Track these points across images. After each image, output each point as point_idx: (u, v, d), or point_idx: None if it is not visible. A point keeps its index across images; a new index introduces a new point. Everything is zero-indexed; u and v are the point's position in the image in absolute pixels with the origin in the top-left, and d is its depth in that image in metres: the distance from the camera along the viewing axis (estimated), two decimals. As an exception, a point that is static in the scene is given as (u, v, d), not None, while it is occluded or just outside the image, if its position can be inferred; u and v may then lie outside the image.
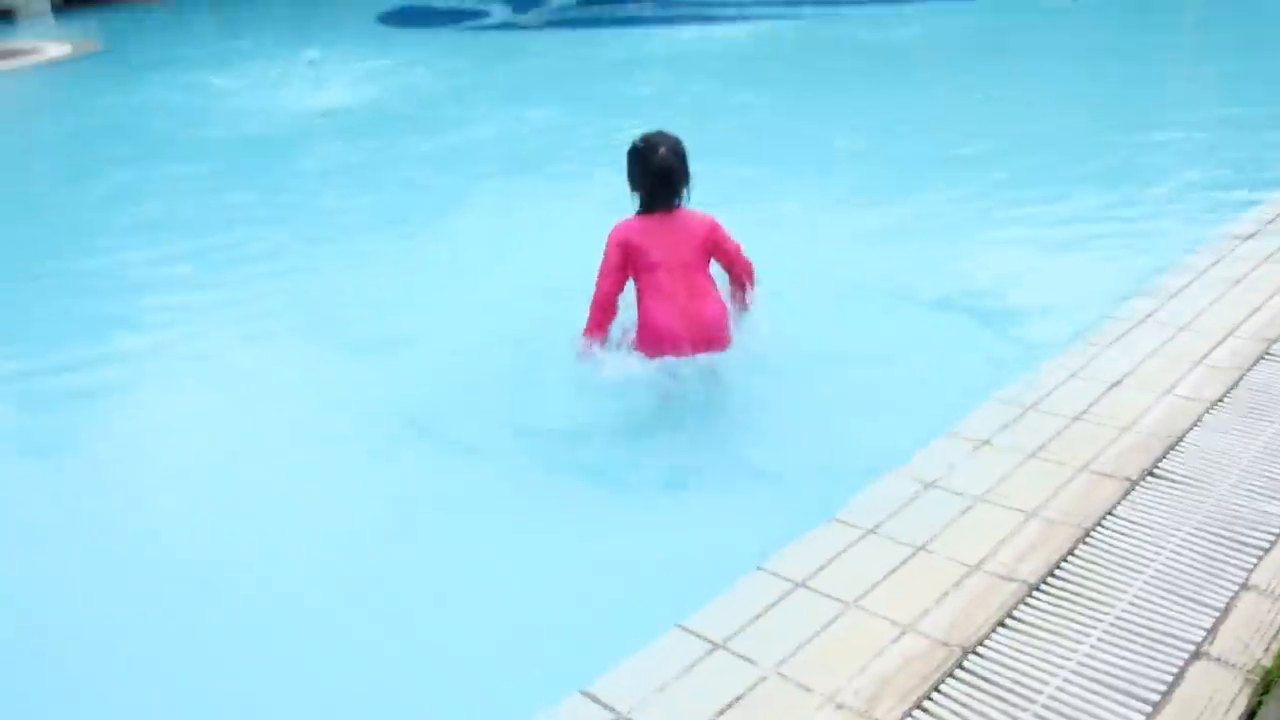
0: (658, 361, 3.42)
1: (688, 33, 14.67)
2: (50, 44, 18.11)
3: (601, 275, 3.44)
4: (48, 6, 23.72)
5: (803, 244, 5.15)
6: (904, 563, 2.44)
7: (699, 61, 12.02)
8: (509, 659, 2.45)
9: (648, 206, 3.43)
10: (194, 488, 3.41)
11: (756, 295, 3.57)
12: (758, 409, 3.59)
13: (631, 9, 20.38)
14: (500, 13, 20.52)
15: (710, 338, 3.44)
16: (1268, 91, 8.13)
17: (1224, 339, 3.50)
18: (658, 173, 3.35)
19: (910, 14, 15.22)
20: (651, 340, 3.43)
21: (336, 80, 12.11)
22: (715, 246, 3.46)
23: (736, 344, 3.49)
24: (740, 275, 3.55)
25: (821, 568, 2.44)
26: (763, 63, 11.88)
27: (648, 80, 10.60)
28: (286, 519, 3.17)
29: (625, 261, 3.42)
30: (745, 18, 16.52)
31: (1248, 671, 2.01)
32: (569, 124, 8.90)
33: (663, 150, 3.34)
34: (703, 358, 3.43)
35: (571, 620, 2.57)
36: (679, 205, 3.43)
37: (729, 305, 3.52)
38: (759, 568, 2.46)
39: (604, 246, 3.43)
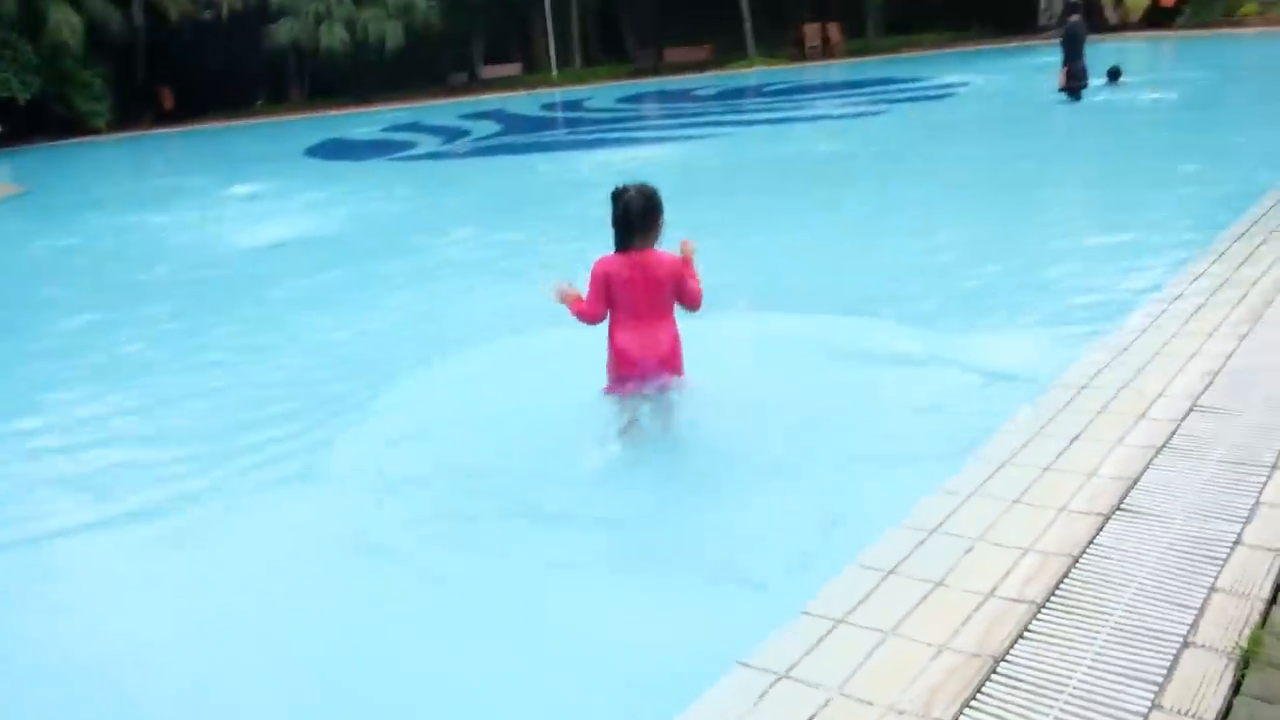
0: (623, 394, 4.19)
1: (618, 155, 15.46)
2: (-40, 189, 18.09)
3: (589, 303, 4.12)
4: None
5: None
6: (926, 596, 2.80)
7: (648, 179, 12.67)
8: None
9: (622, 245, 4.10)
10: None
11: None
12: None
13: (556, 135, 21.33)
14: (428, 144, 21.21)
15: (663, 362, 4.17)
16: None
17: (1157, 398, 4.02)
18: (625, 216, 4.04)
19: (805, 132, 16.37)
20: (616, 360, 4.18)
21: (279, 213, 12.39)
22: (679, 284, 4.12)
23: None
24: (690, 306, 4.22)
25: (856, 606, 2.79)
26: (696, 176, 12.62)
27: (597, 200, 11.09)
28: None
29: (607, 291, 4.09)
30: (667, 139, 17.50)
31: (1229, 653, 2.41)
32: (534, 241, 9.32)
33: (629, 196, 4.03)
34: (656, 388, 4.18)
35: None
36: (649, 246, 4.06)
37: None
38: (803, 613, 2.80)
39: (589, 278, 4.10)
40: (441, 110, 31.59)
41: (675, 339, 4.24)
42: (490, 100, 33.84)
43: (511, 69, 42.67)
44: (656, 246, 4.13)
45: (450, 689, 2.94)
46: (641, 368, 4.17)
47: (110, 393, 5.87)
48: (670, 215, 4.16)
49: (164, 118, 39.60)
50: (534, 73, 41.90)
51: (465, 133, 22.61)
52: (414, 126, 26.08)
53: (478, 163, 17.80)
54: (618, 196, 4.07)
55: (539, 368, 5.39)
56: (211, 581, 3.66)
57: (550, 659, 3.01)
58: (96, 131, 35.08)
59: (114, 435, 5.16)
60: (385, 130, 25.98)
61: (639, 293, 4.09)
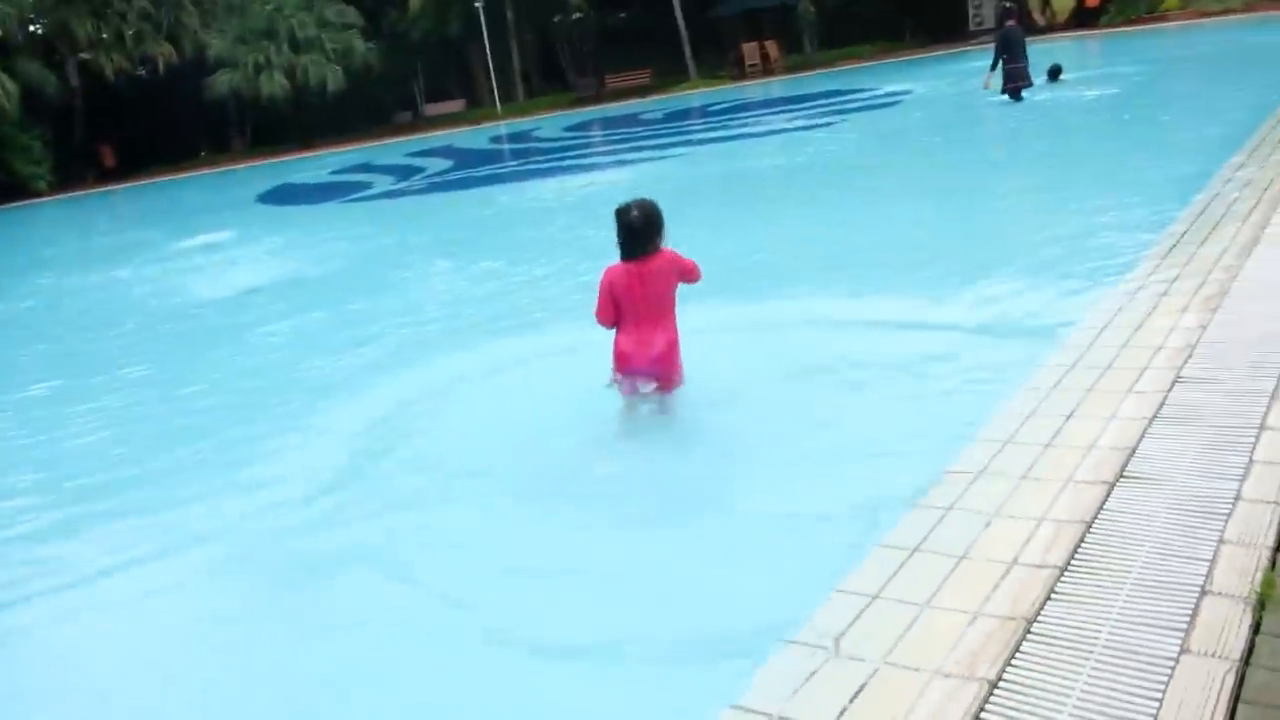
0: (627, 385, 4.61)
1: (574, 181, 15.63)
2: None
3: (599, 310, 4.54)
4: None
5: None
6: (953, 570, 2.94)
7: (599, 205, 12.81)
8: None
9: (626, 254, 4.45)
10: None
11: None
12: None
13: (509, 166, 21.46)
14: (381, 183, 21.23)
15: (655, 363, 4.52)
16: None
17: (1142, 373, 4.22)
18: (626, 229, 4.40)
19: (759, 147, 16.67)
20: (618, 358, 4.58)
21: (244, 261, 12.32)
22: (682, 268, 4.50)
23: None
24: (692, 280, 4.60)
25: (887, 581, 2.92)
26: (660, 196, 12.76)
27: (562, 225, 11.33)
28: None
29: (613, 297, 4.47)
30: (620, 163, 17.70)
31: (1245, 598, 2.57)
32: (511, 269, 9.36)
33: (633, 213, 4.38)
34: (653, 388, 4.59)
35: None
36: (651, 253, 4.41)
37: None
38: (835, 589, 2.92)
39: (598, 286, 4.50)
40: (389, 150, 31.63)
41: (671, 343, 4.57)
42: (437, 137, 33.96)
43: (455, 105, 42.89)
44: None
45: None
46: (634, 364, 4.54)
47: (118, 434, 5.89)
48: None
49: (106, 175, 39.29)
50: (477, 108, 42.15)
51: (418, 170, 22.68)
52: (364, 167, 26.10)
53: (436, 198, 17.85)
54: (622, 212, 4.40)
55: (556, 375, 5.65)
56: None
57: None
58: (38, 194, 34.68)
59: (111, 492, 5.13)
60: (335, 173, 25.98)
61: (637, 299, 4.47)
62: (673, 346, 4.58)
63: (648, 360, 4.52)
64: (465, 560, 3.86)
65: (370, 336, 7.49)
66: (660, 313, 4.53)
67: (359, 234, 13.82)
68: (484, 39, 39.60)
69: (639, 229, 4.37)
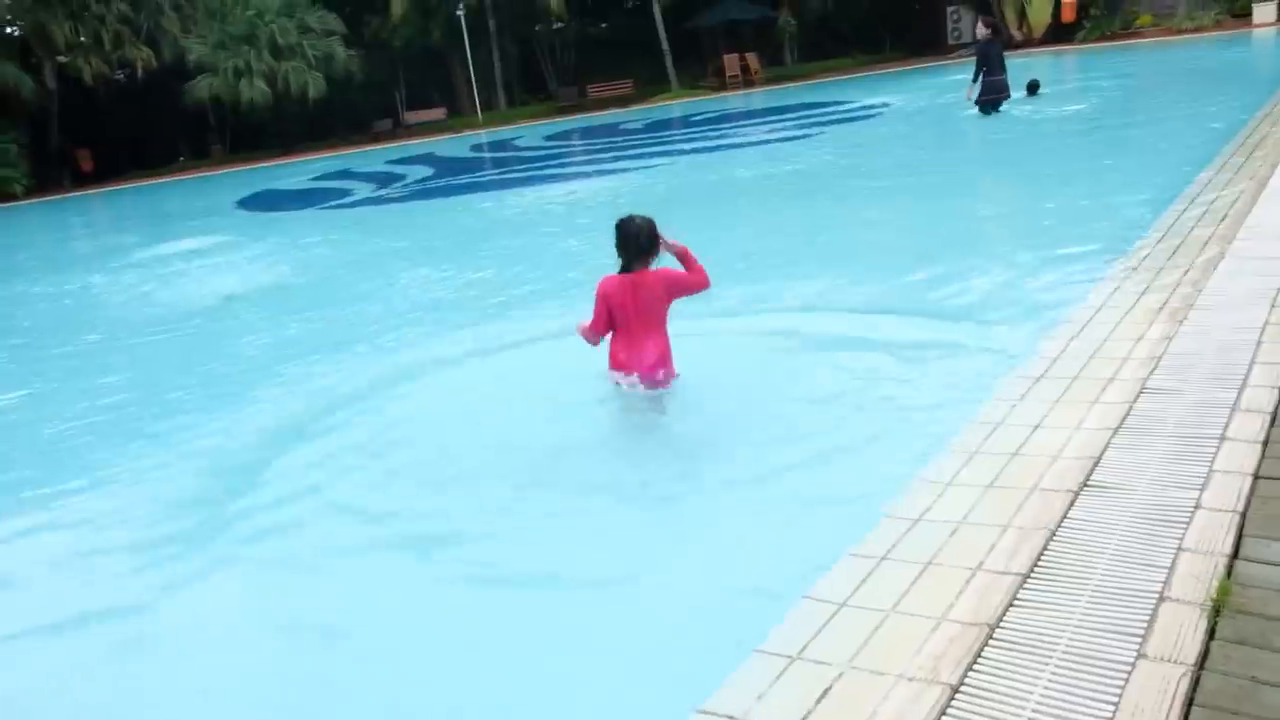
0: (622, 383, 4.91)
1: (555, 190, 15.67)
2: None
3: (593, 320, 4.87)
4: None
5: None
6: (919, 576, 2.99)
7: (580, 213, 12.89)
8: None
9: (625, 267, 4.78)
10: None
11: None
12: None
13: (490, 175, 21.49)
14: (362, 190, 21.18)
15: (653, 369, 4.85)
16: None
17: (1108, 384, 4.29)
18: (625, 243, 4.74)
19: (739, 158, 16.77)
20: (612, 365, 4.93)
21: (227, 267, 12.24)
22: (676, 287, 4.81)
23: None
24: (701, 287, 4.87)
25: (855, 589, 2.96)
26: (640, 205, 12.81)
27: (545, 233, 11.33)
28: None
29: (608, 308, 4.79)
30: (602, 172, 17.75)
31: (1201, 604, 2.63)
32: (493, 278, 9.39)
33: (634, 225, 4.72)
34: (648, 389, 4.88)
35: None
36: (647, 267, 4.75)
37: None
38: (804, 596, 2.96)
39: (594, 296, 4.83)
40: (369, 157, 31.58)
41: (663, 351, 4.89)
42: (418, 145, 33.90)
43: (436, 113, 42.85)
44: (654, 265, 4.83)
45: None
46: (628, 371, 4.86)
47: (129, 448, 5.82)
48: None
49: (83, 180, 38.96)
50: (458, 116, 42.12)
51: (398, 178, 22.64)
52: (345, 174, 26.04)
53: (418, 205, 17.83)
54: (621, 226, 4.75)
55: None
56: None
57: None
58: (13, 197, 34.39)
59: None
60: (316, 179, 25.89)
61: (631, 310, 4.78)
62: (665, 354, 4.91)
63: (643, 368, 4.85)
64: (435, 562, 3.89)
65: (348, 339, 7.51)
66: (652, 323, 4.85)
67: (340, 241, 13.80)
68: (465, 47, 39.62)
69: (635, 243, 4.72)
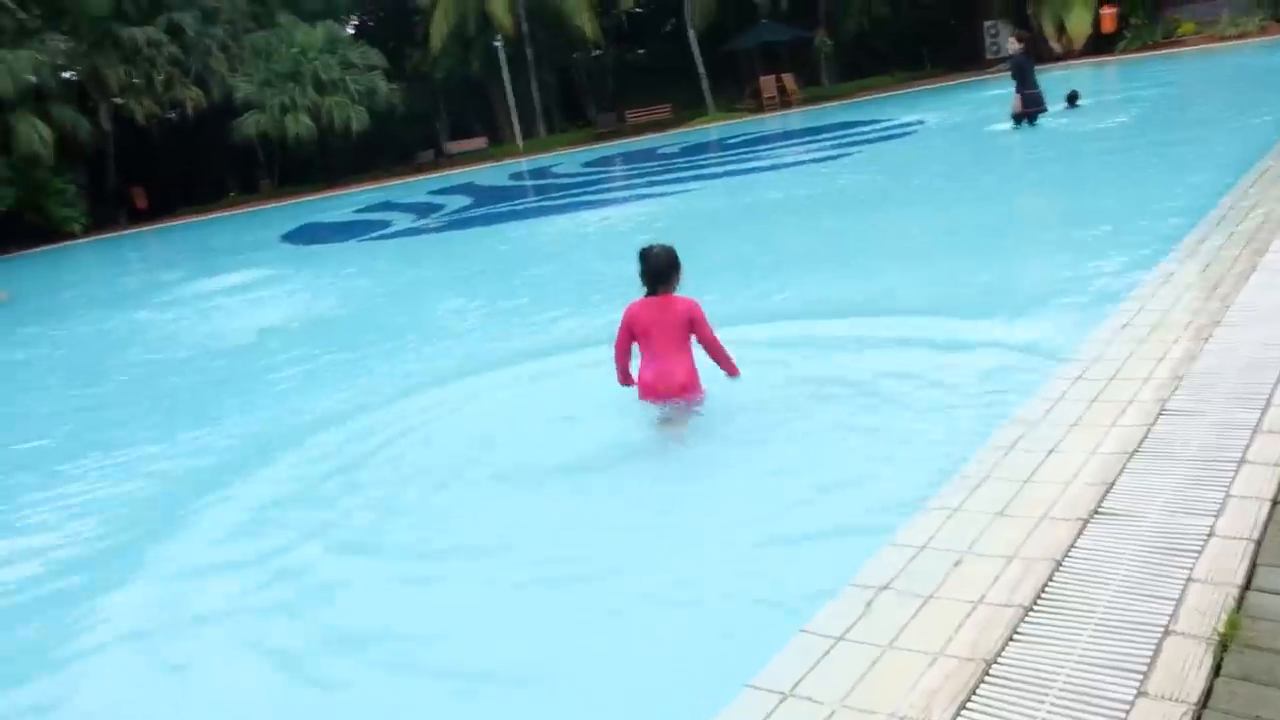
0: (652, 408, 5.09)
1: (591, 216, 15.75)
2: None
3: (616, 345, 5.15)
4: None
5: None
6: (920, 609, 2.92)
7: (614, 240, 12.87)
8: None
9: (649, 292, 5.01)
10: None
11: (738, 364, 5.22)
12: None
13: (528, 203, 21.66)
14: (402, 221, 21.48)
15: (676, 392, 5.04)
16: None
17: (1128, 405, 4.19)
18: (648, 270, 4.98)
19: (774, 180, 16.74)
20: (642, 389, 5.10)
21: (270, 301, 12.54)
22: (693, 325, 5.00)
23: None
24: (715, 358, 5.15)
25: (854, 622, 2.91)
26: (670, 232, 12.82)
27: (577, 260, 11.41)
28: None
29: (630, 333, 5.05)
30: (637, 198, 17.82)
31: (1207, 639, 2.54)
32: (546, 299, 9.45)
33: (653, 254, 4.97)
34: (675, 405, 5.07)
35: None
36: (669, 292, 4.98)
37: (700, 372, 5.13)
38: (801, 630, 2.91)
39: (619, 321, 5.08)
40: (411, 188, 32.02)
41: (689, 372, 5.08)
42: (459, 175, 34.33)
43: (477, 143, 43.39)
44: (677, 292, 5.06)
45: None
46: (658, 395, 5.06)
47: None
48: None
49: (138, 217, 40.03)
50: (499, 145, 42.61)
51: (437, 208, 22.93)
52: (386, 205, 26.43)
53: (456, 235, 18.02)
54: (644, 254, 4.99)
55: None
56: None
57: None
58: (73, 236, 35.42)
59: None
60: (359, 211, 26.31)
61: (654, 332, 5.00)
62: (691, 375, 5.09)
63: (672, 390, 5.05)
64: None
65: (385, 370, 7.64)
66: (677, 346, 5.03)
67: (379, 272, 14.04)
68: (504, 77, 40.10)
69: (656, 268, 4.96)
